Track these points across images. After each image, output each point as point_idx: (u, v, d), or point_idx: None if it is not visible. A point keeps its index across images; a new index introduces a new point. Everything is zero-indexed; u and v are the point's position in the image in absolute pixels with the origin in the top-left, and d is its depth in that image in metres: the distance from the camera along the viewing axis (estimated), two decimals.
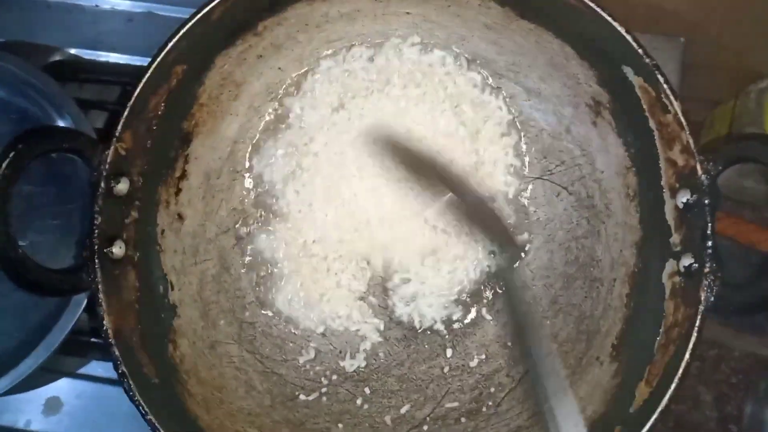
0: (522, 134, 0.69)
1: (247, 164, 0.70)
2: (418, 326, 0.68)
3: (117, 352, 0.54)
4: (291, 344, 0.67)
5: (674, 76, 0.80)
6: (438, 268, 0.68)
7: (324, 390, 0.66)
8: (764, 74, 0.86)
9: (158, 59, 0.57)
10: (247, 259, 0.69)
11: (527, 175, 0.69)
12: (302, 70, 0.70)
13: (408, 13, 0.68)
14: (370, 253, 0.68)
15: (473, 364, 0.67)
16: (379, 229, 0.67)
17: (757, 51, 0.87)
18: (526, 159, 0.70)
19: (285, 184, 0.69)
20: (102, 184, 0.56)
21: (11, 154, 0.50)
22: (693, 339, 0.53)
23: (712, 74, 0.90)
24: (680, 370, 0.53)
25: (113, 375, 0.72)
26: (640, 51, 0.57)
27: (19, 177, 0.51)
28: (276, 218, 0.69)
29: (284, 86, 0.70)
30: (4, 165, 0.50)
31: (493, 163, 0.69)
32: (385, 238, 0.67)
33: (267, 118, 0.70)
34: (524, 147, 0.70)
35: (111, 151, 0.56)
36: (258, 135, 0.70)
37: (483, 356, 0.67)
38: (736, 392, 0.97)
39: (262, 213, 0.69)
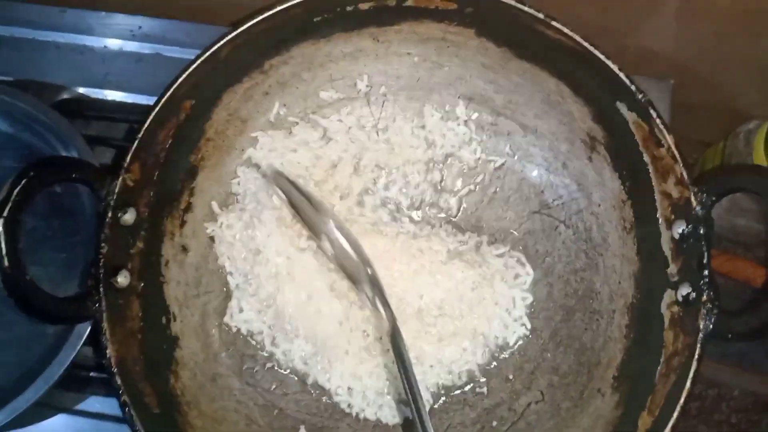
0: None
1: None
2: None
3: (119, 381, 0.54)
4: (293, 378, 0.67)
5: (664, 117, 0.83)
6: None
7: (325, 424, 0.65)
8: (753, 115, 0.89)
9: (168, 93, 0.59)
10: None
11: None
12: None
13: (409, 53, 0.70)
14: None
15: (475, 397, 0.66)
16: None
17: (746, 92, 0.90)
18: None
19: None
20: (109, 214, 0.57)
21: (23, 182, 0.51)
22: (693, 367, 0.54)
23: (702, 115, 0.93)
24: (682, 399, 0.53)
25: (111, 411, 0.73)
26: (632, 87, 0.59)
27: (29, 204, 0.52)
28: None
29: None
30: (15, 192, 0.51)
31: None
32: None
33: None
34: None
35: (119, 182, 0.57)
36: None
37: (484, 390, 0.66)
38: None
39: None
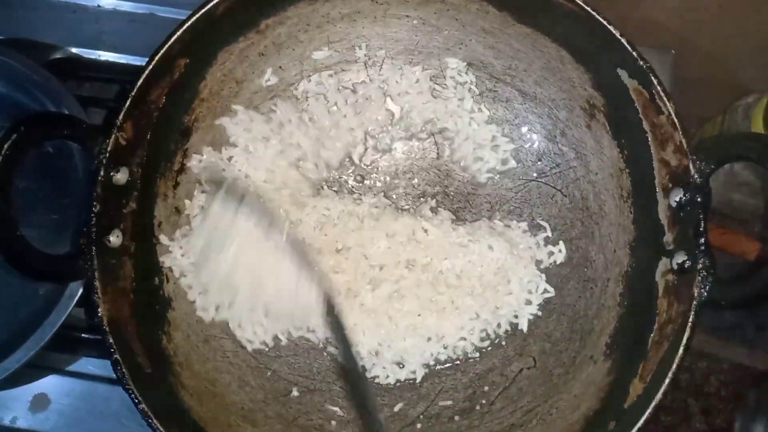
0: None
1: None
2: None
3: (111, 340, 0.54)
4: (285, 340, 0.67)
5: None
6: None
7: (318, 387, 0.65)
8: (752, 89, 0.88)
9: (163, 50, 0.58)
10: None
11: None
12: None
13: (407, 16, 0.69)
14: None
15: (467, 363, 0.66)
16: None
17: (746, 66, 0.89)
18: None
19: None
20: (101, 173, 0.56)
21: (13, 137, 0.50)
22: (686, 334, 0.54)
23: (701, 89, 0.92)
24: (674, 366, 0.53)
25: (103, 372, 0.73)
26: (634, 54, 0.58)
27: (20, 161, 0.51)
28: None
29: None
30: (6, 147, 0.50)
31: None
32: None
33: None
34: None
35: (111, 140, 0.56)
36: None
37: (477, 355, 0.67)
38: (726, 404, 0.97)
39: None
